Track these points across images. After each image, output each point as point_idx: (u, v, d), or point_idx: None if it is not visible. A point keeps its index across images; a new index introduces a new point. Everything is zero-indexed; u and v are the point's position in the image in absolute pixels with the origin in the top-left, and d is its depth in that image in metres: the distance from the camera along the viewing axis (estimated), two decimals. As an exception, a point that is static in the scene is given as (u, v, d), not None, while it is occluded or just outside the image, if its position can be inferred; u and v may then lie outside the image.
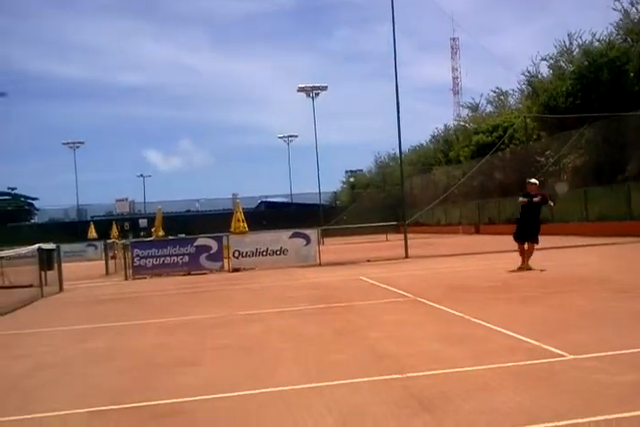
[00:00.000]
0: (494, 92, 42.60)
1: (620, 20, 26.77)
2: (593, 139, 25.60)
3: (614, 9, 26.76)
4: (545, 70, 32.10)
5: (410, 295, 8.78)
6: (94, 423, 3.75)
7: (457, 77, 75.23)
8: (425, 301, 8.11)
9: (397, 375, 4.32)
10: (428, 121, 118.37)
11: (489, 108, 44.31)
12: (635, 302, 7.05)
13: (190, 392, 4.27)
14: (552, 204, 11.91)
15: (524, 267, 11.28)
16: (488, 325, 6.03)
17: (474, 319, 6.39)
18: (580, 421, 3.17)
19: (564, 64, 30.10)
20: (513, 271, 11.17)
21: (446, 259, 15.94)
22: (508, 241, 16.18)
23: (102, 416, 3.87)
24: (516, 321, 6.15)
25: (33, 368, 5.49)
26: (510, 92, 40.56)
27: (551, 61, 30.94)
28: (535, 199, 11.53)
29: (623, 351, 4.59)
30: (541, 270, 10.97)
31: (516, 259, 12.90)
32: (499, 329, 5.77)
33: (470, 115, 45.95)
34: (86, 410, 3.99)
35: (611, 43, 26.65)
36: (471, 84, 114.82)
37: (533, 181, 12.12)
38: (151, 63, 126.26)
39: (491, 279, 10.29)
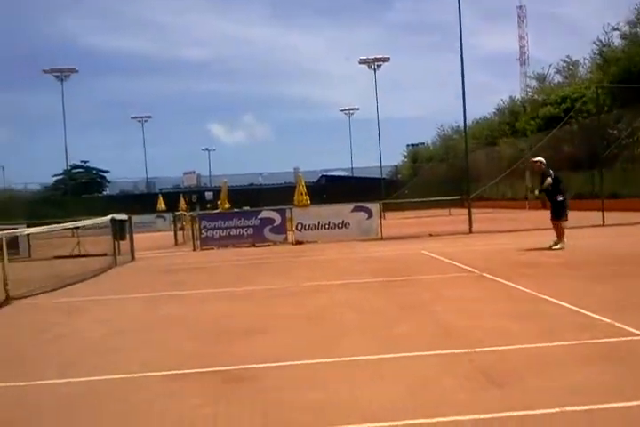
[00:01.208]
0: (564, 61, 40.66)
1: None
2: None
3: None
4: (618, 40, 30.41)
5: (474, 270, 8.68)
6: (168, 386, 3.93)
7: (524, 47, 72.29)
8: (490, 276, 8.00)
9: (464, 350, 4.31)
10: (492, 93, 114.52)
11: (557, 79, 42.42)
12: None
13: (259, 359, 4.40)
14: (536, 192, 12.04)
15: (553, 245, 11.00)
16: (557, 301, 5.90)
17: (542, 295, 6.27)
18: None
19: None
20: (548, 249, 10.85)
21: (512, 234, 15.58)
22: (577, 216, 15.67)
23: (176, 379, 4.06)
24: (586, 298, 5.99)
25: (109, 333, 5.78)
26: (580, 61, 38.65)
27: (625, 29, 29.20)
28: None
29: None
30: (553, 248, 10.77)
31: (590, 234, 12.68)
32: (569, 306, 5.64)
33: (538, 85, 44.11)
34: (161, 373, 4.20)
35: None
36: (539, 54, 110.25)
37: (536, 159, 12.10)
38: (214, 38, 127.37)
39: (558, 255, 10.03)
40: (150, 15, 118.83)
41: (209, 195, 50.81)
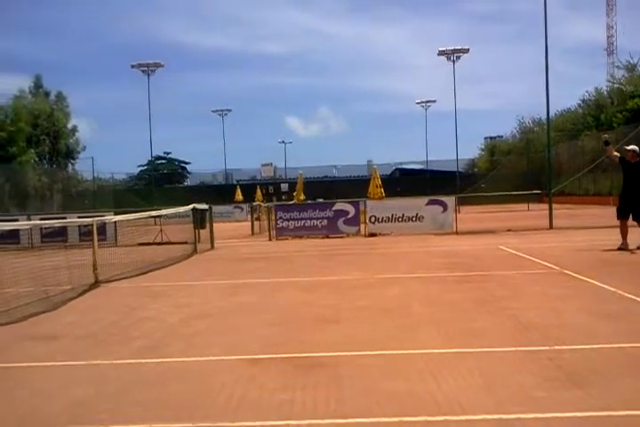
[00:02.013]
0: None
1: None
2: None
3: None
4: None
5: (555, 267, 8.40)
6: (247, 370, 4.06)
7: (612, 36, 68.36)
8: (572, 273, 7.72)
9: (544, 347, 4.21)
10: (575, 84, 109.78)
11: (648, 70, 40.00)
12: None
13: (334, 348, 4.48)
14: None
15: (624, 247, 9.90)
16: (644, 301, 5.63)
17: (628, 295, 6.00)
18: None
19: None
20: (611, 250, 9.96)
21: (594, 231, 14.90)
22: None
23: (254, 364, 4.18)
24: (677, 300, 5.68)
25: (191, 317, 6.01)
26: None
27: None
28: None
29: None
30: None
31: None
32: (657, 307, 5.38)
33: (626, 76, 41.77)
34: (239, 357, 4.34)
35: None
36: (628, 44, 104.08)
37: (634, 148, 10.44)
38: (291, 32, 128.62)
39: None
40: (232, 10, 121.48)
41: (284, 186, 51.59)
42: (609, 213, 25.25)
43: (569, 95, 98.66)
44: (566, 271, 7.93)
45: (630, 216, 10.07)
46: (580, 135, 42.26)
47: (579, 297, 6.22)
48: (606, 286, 6.59)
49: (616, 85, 42.28)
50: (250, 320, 5.74)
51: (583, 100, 47.10)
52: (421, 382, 3.61)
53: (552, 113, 48.94)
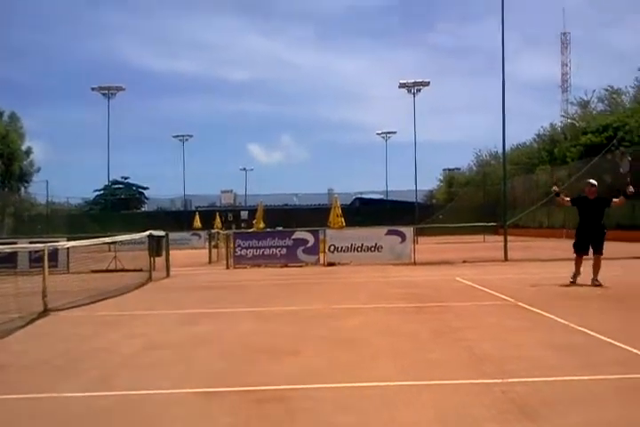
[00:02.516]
0: (607, 90, 40.15)
1: None
2: None
3: None
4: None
5: (510, 299, 8.53)
6: (200, 404, 3.96)
7: (566, 74, 71.51)
8: (526, 306, 7.85)
9: (497, 380, 4.24)
10: (531, 119, 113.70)
11: (600, 107, 41.86)
12: None
13: (290, 380, 4.42)
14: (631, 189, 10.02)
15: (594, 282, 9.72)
16: (595, 334, 5.76)
17: (579, 328, 6.12)
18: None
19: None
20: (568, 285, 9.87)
21: (548, 263, 15.28)
22: (617, 247, 15.25)
23: (207, 397, 4.08)
24: (626, 332, 5.83)
25: (143, 348, 5.86)
26: (624, 89, 38.12)
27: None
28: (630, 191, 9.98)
29: None
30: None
31: (632, 266, 12.25)
32: (605, 339, 5.50)
33: (579, 112, 43.61)
34: (192, 390, 4.22)
35: None
36: (581, 82, 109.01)
37: (593, 182, 10.54)
38: (256, 59, 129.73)
39: (596, 287, 9.77)
40: (197, 35, 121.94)
41: (244, 214, 51.38)
42: (562, 245, 25.95)
43: (525, 130, 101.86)
44: (520, 304, 8.06)
45: (589, 251, 10.06)
46: (535, 169, 43.61)
47: (532, 329, 6.31)
48: (559, 319, 6.72)
49: (569, 121, 44.01)
50: (204, 351, 5.63)
51: (538, 135, 48.80)
52: (376, 415, 3.59)
53: (508, 147, 50.32)
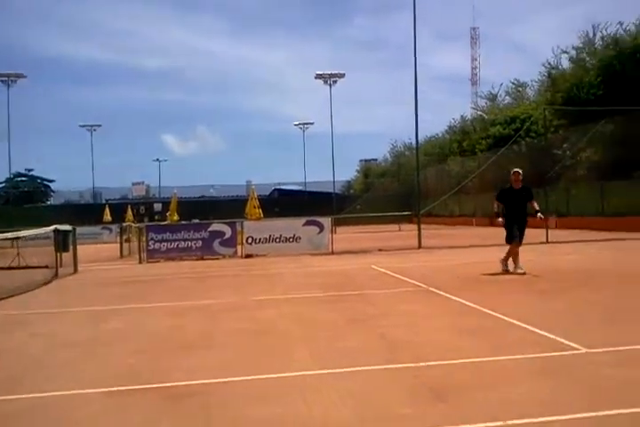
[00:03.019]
0: (513, 83, 42.08)
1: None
2: (611, 133, 25.24)
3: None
4: (566, 62, 31.77)
5: (423, 285, 8.77)
6: (111, 403, 3.80)
7: (476, 67, 74.57)
8: (438, 291, 8.10)
9: (410, 364, 4.33)
10: (445, 111, 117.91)
11: (507, 100, 43.80)
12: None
13: (204, 374, 4.32)
14: (541, 216, 10.15)
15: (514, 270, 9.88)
16: (503, 317, 6.01)
17: (488, 311, 6.37)
18: (593, 414, 3.17)
19: (586, 55, 29.67)
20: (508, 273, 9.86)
21: (460, 250, 15.88)
22: (525, 233, 15.93)
23: (118, 396, 3.93)
24: (531, 314, 6.12)
25: (51, 347, 5.58)
26: (529, 83, 40.06)
27: (573, 53, 30.57)
28: (539, 216, 10.07)
29: (636, 347, 4.56)
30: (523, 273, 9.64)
31: (535, 251, 12.80)
32: (513, 321, 5.75)
33: (488, 105, 45.45)
34: (103, 390, 4.05)
35: (639, 32, 26.18)
36: (490, 75, 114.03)
37: (519, 170, 10.28)
38: (171, 48, 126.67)
39: (511, 274, 10.21)
40: (108, 22, 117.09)
41: (158, 206, 49.99)
42: (473, 233, 27.06)
43: (438, 121, 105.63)
44: (432, 289, 8.30)
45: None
46: (447, 160, 45.12)
47: (443, 314, 6.51)
48: (468, 303, 6.97)
49: (479, 113, 45.76)
50: (115, 349, 5.41)
51: (450, 127, 50.47)
52: (292, 406, 3.55)
53: (422, 138, 51.90)
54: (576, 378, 3.88)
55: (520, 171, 10.28)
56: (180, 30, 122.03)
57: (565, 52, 31.10)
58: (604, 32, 28.55)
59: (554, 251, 14.54)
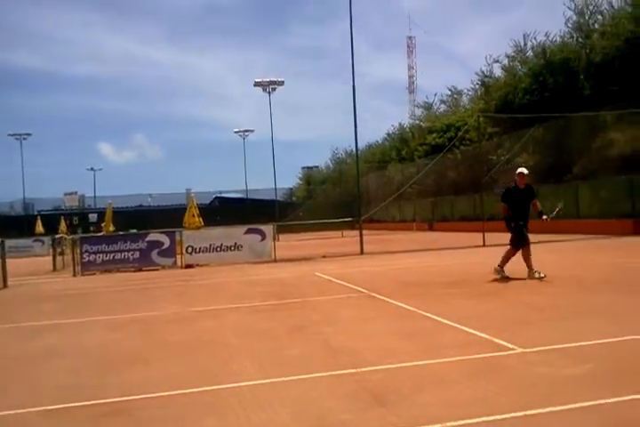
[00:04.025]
0: (450, 90, 43.23)
1: (574, 20, 27.44)
2: (543, 139, 26.29)
3: (569, 8, 27.46)
4: (498, 71, 32.91)
5: (365, 291, 8.82)
6: (42, 423, 3.64)
7: (413, 76, 76.01)
8: (379, 296, 8.16)
9: (351, 370, 4.32)
10: (385, 119, 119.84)
11: (443, 108, 44.97)
12: (584, 298, 7.27)
13: (139, 390, 4.18)
14: (546, 218, 9.61)
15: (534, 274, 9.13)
16: (441, 319, 6.11)
17: (427, 314, 6.47)
18: (529, 413, 3.24)
19: (518, 64, 30.82)
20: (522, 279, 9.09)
21: (401, 255, 16.10)
22: (461, 238, 16.40)
23: (51, 416, 3.76)
24: (468, 316, 6.25)
25: (-23, 367, 5.27)
26: (464, 91, 41.27)
27: (504, 62, 31.71)
28: (545, 218, 9.54)
29: (569, 345, 4.72)
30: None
31: (473, 254, 13.07)
32: (451, 324, 5.85)
33: (425, 113, 46.51)
34: (33, 409, 3.87)
35: (565, 43, 27.38)
36: (427, 84, 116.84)
37: (525, 171, 9.53)
38: (106, 55, 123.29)
39: (445, 275, 10.44)
40: (39, 28, 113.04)
41: (93, 217, 48.55)
42: (413, 237, 27.45)
43: (378, 129, 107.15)
44: (374, 294, 8.37)
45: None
46: (387, 166, 45.85)
47: (384, 318, 6.56)
48: (408, 307, 7.06)
49: (416, 122, 46.77)
50: (47, 367, 5.17)
51: (389, 134, 51.37)
52: (233, 417, 3.49)
53: (362, 145, 52.78)
54: (512, 378, 3.97)
55: (525, 171, 9.51)
56: (114, 37, 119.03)
57: (497, 61, 32.24)
58: (533, 41, 29.76)
59: (491, 254, 14.92)
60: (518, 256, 9.29)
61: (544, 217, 9.59)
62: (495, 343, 4.91)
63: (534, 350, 4.62)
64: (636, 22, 23.07)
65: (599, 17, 27.11)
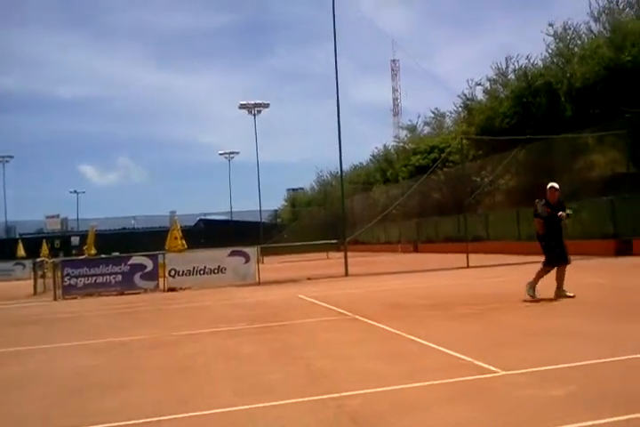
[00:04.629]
0: (433, 113, 43.76)
1: (553, 46, 28.04)
2: (525, 160, 26.61)
3: (548, 34, 28.07)
4: (480, 94, 33.41)
5: (348, 313, 8.76)
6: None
7: (397, 98, 76.91)
8: (363, 319, 8.10)
9: (333, 395, 4.25)
10: (369, 140, 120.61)
11: (427, 130, 45.46)
12: (565, 319, 7.27)
13: (119, 417, 4.08)
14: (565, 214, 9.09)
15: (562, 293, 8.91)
16: (424, 342, 6.06)
17: (411, 337, 6.41)
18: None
19: (500, 86, 31.32)
20: (552, 300, 8.87)
21: (386, 277, 16.06)
22: (446, 259, 16.40)
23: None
24: (451, 338, 6.21)
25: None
26: (448, 113, 41.80)
27: (486, 85, 32.22)
28: (560, 214, 8.99)
29: (552, 367, 4.69)
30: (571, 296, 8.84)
31: (457, 276, 13.04)
32: (434, 346, 5.80)
33: (408, 135, 46.98)
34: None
35: (546, 67, 27.92)
36: (411, 105, 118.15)
37: (556, 185, 9.18)
38: (90, 77, 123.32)
39: (429, 297, 10.40)
40: (17, 48, 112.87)
41: (75, 240, 48.00)
42: (398, 259, 27.40)
43: (363, 151, 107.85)
44: (358, 317, 8.31)
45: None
46: (372, 188, 46.06)
47: (367, 342, 6.49)
48: (392, 329, 7.00)
49: (400, 144, 47.18)
50: (21, 394, 5.04)
51: (374, 156, 51.70)
52: (209, 446, 3.39)
53: (347, 167, 53.06)
54: (495, 400, 3.93)
55: (556, 186, 9.14)
56: (96, 58, 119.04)
57: (479, 84, 32.76)
58: (515, 64, 30.31)
59: (474, 275, 14.95)
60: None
61: (560, 213, 9.01)
62: (478, 366, 4.86)
63: (517, 372, 4.58)
64: (615, 48, 23.62)
65: (579, 42, 27.76)
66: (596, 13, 27.23)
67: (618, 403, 3.66)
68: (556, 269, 9.02)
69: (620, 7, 26.79)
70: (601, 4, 26.94)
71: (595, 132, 21.71)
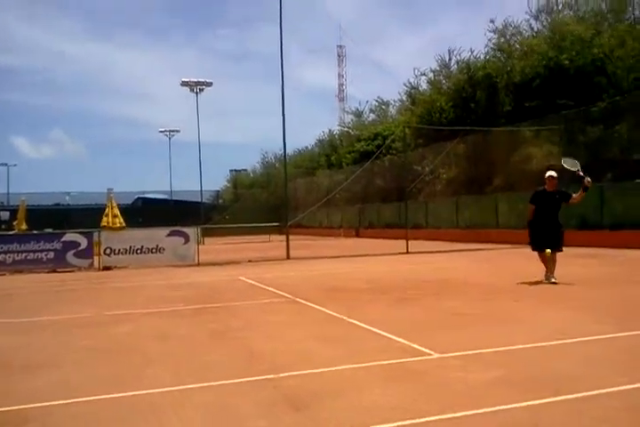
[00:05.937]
0: (377, 101, 44.05)
1: (494, 41, 28.62)
2: (465, 151, 27.22)
3: (489, 30, 28.64)
4: (425, 84, 33.82)
5: (289, 296, 8.77)
6: None
7: (342, 84, 76.91)
8: (303, 301, 8.13)
9: (270, 376, 4.25)
10: (315, 124, 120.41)
11: (372, 117, 45.78)
12: (498, 304, 7.51)
13: (45, 397, 3.94)
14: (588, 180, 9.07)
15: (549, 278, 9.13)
16: (362, 324, 6.14)
17: (349, 319, 6.48)
18: (443, 417, 3.27)
19: (442, 78, 31.77)
20: (536, 283, 9.10)
21: (327, 260, 16.17)
22: (387, 245, 16.64)
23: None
24: (389, 321, 6.31)
25: None
26: (392, 102, 42.17)
27: (430, 75, 32.63)
28: (588, 180, 9.05)
29: (485, 350, 4.84)
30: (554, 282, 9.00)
31: (397, 261, 13.26)
32: (372, 329, 5.88)
33: (354, 121, 47.17)
34: None
35: (488, 61, 28.48)
36: (357, 92, 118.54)
37: (554, 174, 9.40)
38: (24, 47, 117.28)
39: (369, 281, 10.54)
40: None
41: (5, 215, 45.83)
42: (340, 243, 27.64)
43: (309, 135, 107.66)
44: (298, 299, 8.33)
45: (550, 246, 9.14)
46: (316, 172, 46.09)
47: (307, 324, 6.52)
48: (331, 312, 7.06)
49: (345, 129, 47.32)
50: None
51: (319, 140, 51.68)
52: (144, 424, 3.34)
53: (292, 150, 52.88)
54: (429, 382, 4.01)
55: (554, 174, 9.39)
56: (31, 29, 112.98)
57: (424, 74, 33.13)
58: (458, 57, 30.78)
59: (414, 260, 15.26)
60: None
61: (584, 177, 9.12)
62: (413, 348, 4.97)
63: (451, 355, 4.70)
64: (553, 46, 24.33)
65: (519, 37, 28.42)
66: (534, 12, 28.06)
67: (545, 386, 3.81)
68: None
69: (560, 7, 27.66)
70: (540, 3, 27.77)
71: (532, 126, 22.38)
